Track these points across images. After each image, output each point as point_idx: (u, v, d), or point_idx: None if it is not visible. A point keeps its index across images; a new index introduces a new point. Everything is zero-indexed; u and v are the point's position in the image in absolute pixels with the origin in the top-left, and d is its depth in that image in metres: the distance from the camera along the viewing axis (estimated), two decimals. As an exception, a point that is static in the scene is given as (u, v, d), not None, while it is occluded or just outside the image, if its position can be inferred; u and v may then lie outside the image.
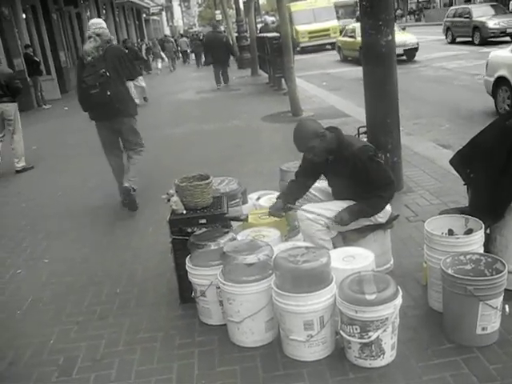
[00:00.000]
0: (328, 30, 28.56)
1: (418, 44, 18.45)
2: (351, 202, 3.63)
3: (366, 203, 3.57)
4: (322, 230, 3.61)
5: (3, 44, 15.98)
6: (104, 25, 5.73)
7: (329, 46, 28.07)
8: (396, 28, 16.63)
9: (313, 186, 3.96)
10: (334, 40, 27.09)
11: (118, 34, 33.30)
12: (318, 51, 27.90)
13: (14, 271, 4.67)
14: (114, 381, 3.02)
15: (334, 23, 29.25)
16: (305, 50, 27.78)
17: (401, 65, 13.84)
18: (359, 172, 3.51)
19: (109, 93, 5.43)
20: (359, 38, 13.94)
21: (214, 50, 16.35)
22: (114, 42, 5.52)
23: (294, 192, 3.88)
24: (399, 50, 16.53)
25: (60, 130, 11.04)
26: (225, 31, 24.67)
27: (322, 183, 4.04)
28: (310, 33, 28.53)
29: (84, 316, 3.77)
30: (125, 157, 6.07)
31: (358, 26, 17.07)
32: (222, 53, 16.40)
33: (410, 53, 18.33)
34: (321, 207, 3.67)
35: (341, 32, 25.76)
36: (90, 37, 5.58)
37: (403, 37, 18.02)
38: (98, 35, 5.53)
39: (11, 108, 8.32)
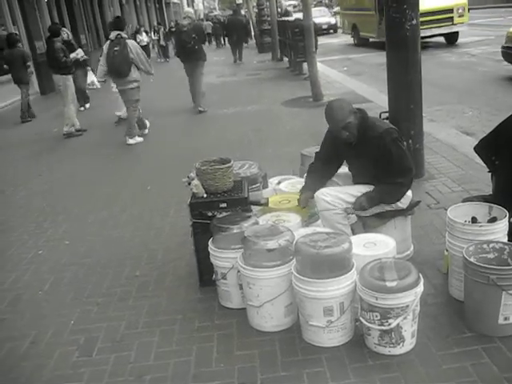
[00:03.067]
0: (450, 9, 16.57)
1: None
2: (371, 187, 3.60)
3: (384, 190, 3.55)
4: (340, 214, 3.60)
5: (25, 27, 16.08)
6: (192, 11, 11.88)
7: (442, 39, 17.59)
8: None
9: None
10: (458, 28, 16.80)
11: (138, 18, 33.26)
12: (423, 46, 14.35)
13: (35, 252, 4.73)
14: (133, 362, 3.05)
15: None
16: None
17: (424, 50, 13.62)
18: (381, 155, 3.48)
19: (196, 47, 10.09)
20: None
21: (235, 32, 19.80)
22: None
23: (316, 182, 3.83)
24: None
25: (81, 114, 11.11)
26: (245, 15, 24.76)
27: (341, 169, 4.00)
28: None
29: (104, 297, 3.80)
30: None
31: None
32: (242, 34, 20.34)
33: None
34: (339, 191, 3.66)
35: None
36: (184, 17, 11.35)
37: None
38: (189, 17, 11.20)
39: (58, 79, 9.54)
